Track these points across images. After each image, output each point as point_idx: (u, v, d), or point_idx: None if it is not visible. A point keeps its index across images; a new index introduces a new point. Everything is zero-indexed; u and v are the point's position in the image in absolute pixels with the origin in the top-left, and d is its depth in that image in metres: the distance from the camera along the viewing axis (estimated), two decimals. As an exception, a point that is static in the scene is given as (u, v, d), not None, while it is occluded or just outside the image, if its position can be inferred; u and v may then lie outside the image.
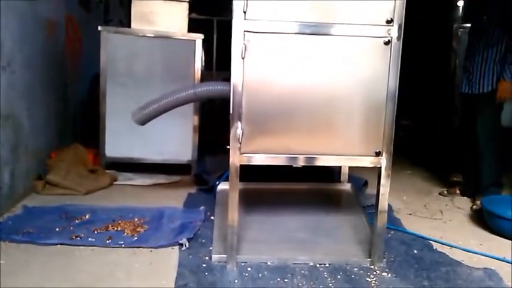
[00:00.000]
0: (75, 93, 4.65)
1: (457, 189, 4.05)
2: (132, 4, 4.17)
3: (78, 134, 4.67)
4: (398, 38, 2.35)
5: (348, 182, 3.65)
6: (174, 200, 3.56)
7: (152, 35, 4.17)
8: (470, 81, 3.73)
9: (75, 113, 4.64)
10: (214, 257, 2.55)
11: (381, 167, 2.47)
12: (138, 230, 2.89)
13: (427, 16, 6.26)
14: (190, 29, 4.31)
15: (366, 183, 4.03)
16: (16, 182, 3.28)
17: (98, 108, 4.19)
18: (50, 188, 3.57)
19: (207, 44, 4.64)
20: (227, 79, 2.64)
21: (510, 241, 3.01)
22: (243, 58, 2.33)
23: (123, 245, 2.67)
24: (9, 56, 3.15)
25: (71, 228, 2.87)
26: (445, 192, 4.07)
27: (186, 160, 4.33)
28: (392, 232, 3.07)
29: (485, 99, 3.67)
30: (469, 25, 4.34)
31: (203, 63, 4.70)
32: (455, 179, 4.39)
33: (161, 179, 4.12)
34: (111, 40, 4.13)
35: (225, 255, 2.52)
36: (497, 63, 3.58)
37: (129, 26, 4.27)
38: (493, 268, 2.58)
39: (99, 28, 4.13)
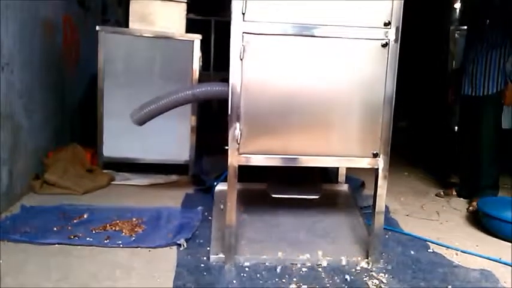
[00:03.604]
0: (73, 93, 4.65)
1: (453, 190, 4.06)
2: (130, 4, 4.18)
3: (76, 133, 4.67)
4: (395, 41, 2.37)
5: (345, 183, 3.67)
6: (171, 200, 3.57)
7: (150, 35, 4.17)
8: (473, 83, 3.72)
9: (73, 113, 4.64)
10: (212, 257, 2.56)
11: (378, 168, 2.49)
12: (136, 230, 2.89)
13: (424, 18, 6.29)
14: (188, 29, 4.32)
15: (363, 184, 4.05)
16: (14, 182, 3.29)
17: (95, 108, 4.20)
18: (47, 188, 3.57)
19: (204, 44, 4.65)
20: (225, 79, 2.65)
21: (506, 242, 3.03)
22: (241, 59, 2.35)
23: (121, 245, 2.68)
24: (8, 56, 3.15)
25: (69, 227, 2.88)
26: (442, 193, 4.09)
27: (184, 160, 4.33)
28: (389, 233, 3.08)
29: (489, 101, 3.67)
30: (466, 27, 4.35)
31: (201, 64, 4.69)
32: (451, 180, 4.41)
33: (158, 179, 4.13)
34: (109, 40, 4.13)
35: (223, 256, 2.53)
36: (501, 65, 3.59)
37: (126, 26, 4.27)
38: (489, 269, 2.61)
39: (97, 28, 4.13)
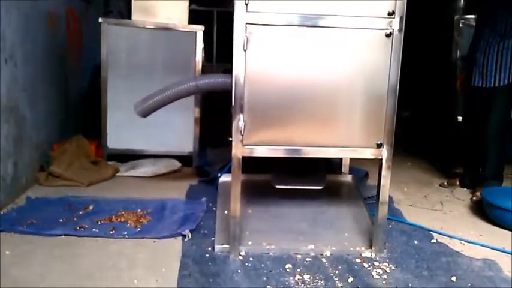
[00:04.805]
0: (77, 85, 4.66)
1: (457, 180, 4.06)
2: (132, -5, 4.17)
3: (80, 125, 4.68)
4: (399, 30, 2.36)
5: (349, 173, 3.68)
6: (176, 191, 3.58)
7: (153, 27, 4.16)
8: (484, 74, 3.64)
9: (76, 105, 4.65)
10: (217, 247, 2.58)
11: (381, 159, 2.49)
12: (141, 221, 2.91)
13: (428, 7, 6.24)
14: (191, 21, 4.31)
15: (366, 175, 4.06)
16: (19, 174, 3.31)
17: (99, 99, 4.21)
18: (52, 180, 3.60)
19: (207, 35, 4.64)
20: (227, 70, 2.65)
21: (509, 231, 3.03)
22: (245, 50, 2.34)
23: (126, 236, 2.70)
24: (11, 49, 3.15)
25: (75, 219, 2.90)
26: (446, 183, 4.09)
27: (188, 152, 4.35)
28: (393, 223, 3.09)
29: (501, 92, 3.61)
30: (470, 16, 4.30)
31: (204, 55, 4.68)
32: (455, 170, 4.41)
33: (162, 166, 4.13)
34: (111, 32, 4.13)
35: (228, 246, 2.55)
36: None
37: (129, 17, 4.26)
38: (492, 258, 2.61)
39: (100, 20, 4.13)
